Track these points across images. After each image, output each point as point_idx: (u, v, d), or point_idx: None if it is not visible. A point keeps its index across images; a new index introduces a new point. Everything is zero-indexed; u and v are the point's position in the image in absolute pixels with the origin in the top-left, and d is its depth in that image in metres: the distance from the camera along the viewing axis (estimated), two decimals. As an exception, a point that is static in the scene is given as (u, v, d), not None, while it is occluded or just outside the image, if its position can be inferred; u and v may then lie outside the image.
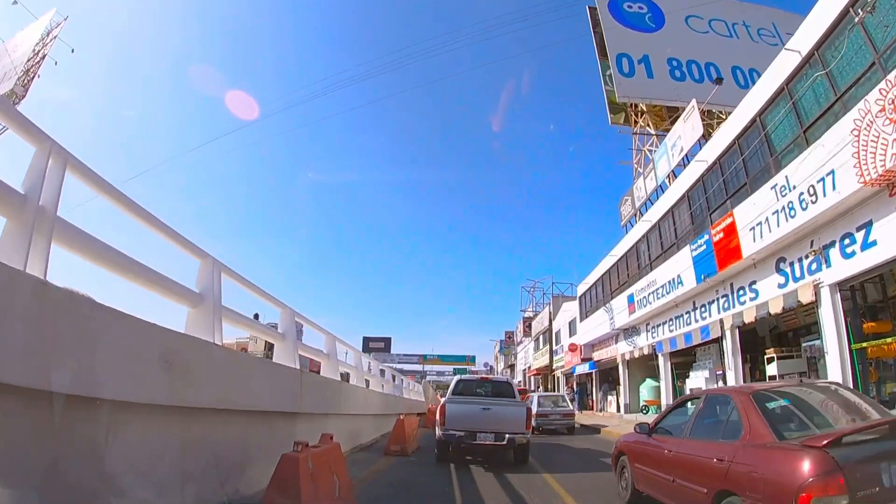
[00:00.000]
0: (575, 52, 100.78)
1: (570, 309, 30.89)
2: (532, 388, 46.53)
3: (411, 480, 6.96)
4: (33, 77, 24.97)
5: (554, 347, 35.65)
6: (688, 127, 17.19)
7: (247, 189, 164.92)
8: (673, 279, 15.57)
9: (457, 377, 10.80)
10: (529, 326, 47.53)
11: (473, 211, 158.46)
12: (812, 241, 9.77)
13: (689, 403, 5.07)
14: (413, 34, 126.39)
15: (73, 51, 26.44)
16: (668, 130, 21.23)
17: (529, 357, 48.49)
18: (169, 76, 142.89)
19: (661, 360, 17.62)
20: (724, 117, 17.14)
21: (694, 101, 17.20)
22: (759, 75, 12.15)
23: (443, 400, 9.49)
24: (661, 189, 19.02)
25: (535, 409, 15.91)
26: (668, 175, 18.28)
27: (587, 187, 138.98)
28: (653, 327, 18.46)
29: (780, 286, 10.94)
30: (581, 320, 26.99)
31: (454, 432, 8.07)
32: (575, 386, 30.09)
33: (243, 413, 4.56)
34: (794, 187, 9.49)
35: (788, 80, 9.98)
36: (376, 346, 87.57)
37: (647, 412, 19.97)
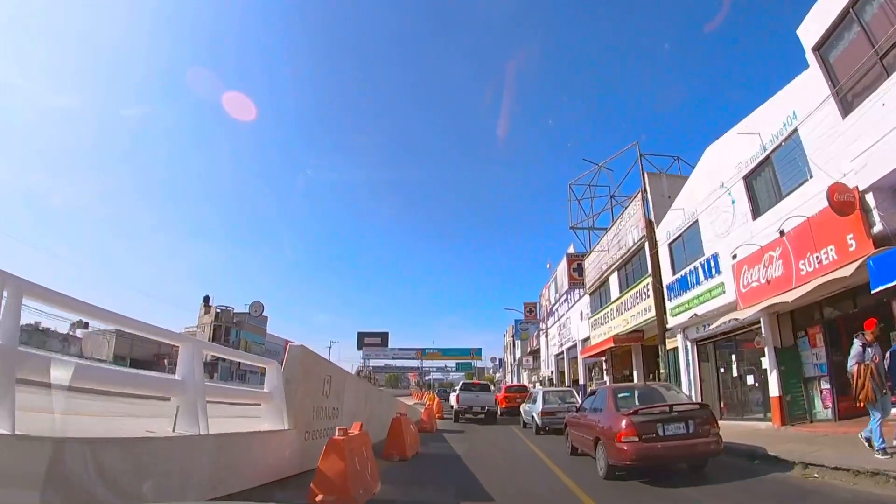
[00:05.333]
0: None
1: (739, 144, 11.40)
2: (585, 379, 26.61)
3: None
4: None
5: (666, 281, 16.16)
6: None
7: (245, 189, 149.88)
8: None
9: (462, 381, 24.86)
10: (579, 269, 27.67)
11: (480, 199, 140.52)
12: None
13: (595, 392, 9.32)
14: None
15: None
16: None
17: (574, 328, 28.78)
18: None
19: None
20: None
21: None
22: None
23: (457, 390, 21.65)
24: None
25: (540, 407, 14.12)
26: None
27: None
28: None
29: None
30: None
31: (462, 406, 18.97)
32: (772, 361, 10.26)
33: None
34: None
35: None
36: (372, 342, 77.57)
37: None
